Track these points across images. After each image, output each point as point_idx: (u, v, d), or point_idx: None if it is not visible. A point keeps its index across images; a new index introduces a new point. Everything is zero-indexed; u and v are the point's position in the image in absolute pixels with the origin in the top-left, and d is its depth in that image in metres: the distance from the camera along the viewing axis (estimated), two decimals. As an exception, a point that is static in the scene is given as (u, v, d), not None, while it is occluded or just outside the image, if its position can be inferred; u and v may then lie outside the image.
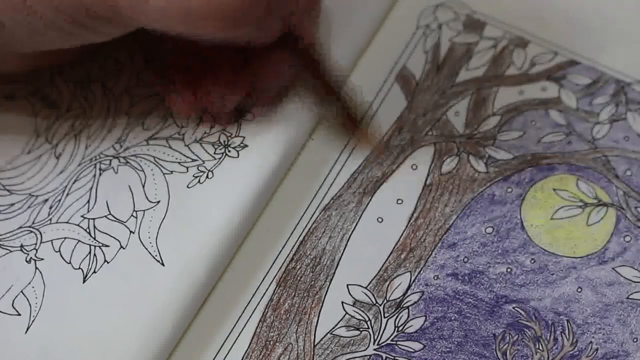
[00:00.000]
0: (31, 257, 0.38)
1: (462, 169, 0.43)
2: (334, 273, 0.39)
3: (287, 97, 0.42)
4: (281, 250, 0.40)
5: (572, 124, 0.44)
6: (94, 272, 0.38)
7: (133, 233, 0.39)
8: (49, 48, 0.37)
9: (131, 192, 0.40)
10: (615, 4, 0.48)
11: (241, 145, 0.41)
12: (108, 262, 0.38)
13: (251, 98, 0.41)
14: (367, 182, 0.42)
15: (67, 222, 0.39)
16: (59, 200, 0.40)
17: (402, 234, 0.41)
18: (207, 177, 0.40)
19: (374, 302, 0.39)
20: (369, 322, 0.38)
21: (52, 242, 0.39)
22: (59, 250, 0.38)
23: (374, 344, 0.38)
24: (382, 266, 0.40)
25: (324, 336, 0.38)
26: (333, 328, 0.38)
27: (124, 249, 0.38)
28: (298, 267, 0.40)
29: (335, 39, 0.44)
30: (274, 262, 0.40)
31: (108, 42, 0.38)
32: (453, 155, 0.43)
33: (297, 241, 0.40)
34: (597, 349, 0.38)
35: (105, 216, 0.39)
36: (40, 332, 0.36)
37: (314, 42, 0.40)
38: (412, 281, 0.39)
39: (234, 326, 0.38)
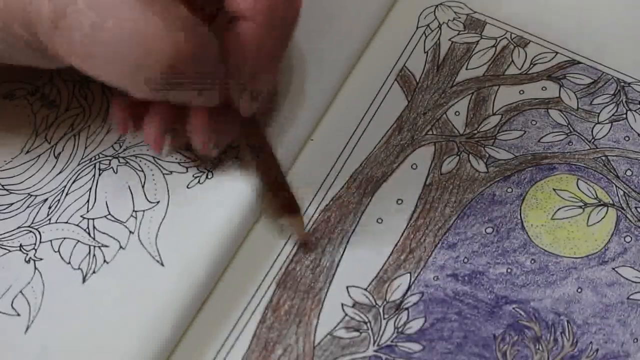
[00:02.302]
0: (30, 257, 0.38)
1: (462, 168, 0.43)
2: (334, 274, 0.39)
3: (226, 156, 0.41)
4: (281, 251, 0.40)
5: (572, 123, 0.44)
6: (94, 272, 0.38)
7: (133, 233, 0.39)
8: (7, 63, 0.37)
9: (131, 192, 0.40)
10: (615, 3, 0.48)
11: (241, 145, 0.41)
12: (108, 263, 0.38)
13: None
14: (367, 182, 0.42)
15: (67, 222, 0.39)
16: (58, 200, 0.40)
17: (402, 235, 0.41)
18: (206, 177, 0.40)
19: (374, 304, 0.39)
20: (368, 324, 0.38)
21: (51, 242, 0.38)
22: (59, 251, 0.38)
23: (373, 345, 0.38)
24: (382, 267, 0.40)
25: (324, 337, 0.38)
26: (333, 329, 0.38)
27: (123, 249, 0.38)
28: (298, 268, 0.39)
29: (335, 39, 0.44)
30: (274, 263, 0.40)
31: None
32: (453, 155, 0.43)
33: (297, 242, 0.40)
34: (597, 350, 0.38)
35: (105, 216, 0.39)
36: (40, 332, 0.36)
37: (255, 115, 0.39)
38: (411, 282, 0.39)
39: (234, 327, 0.38)
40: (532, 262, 0.40)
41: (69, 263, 0.38)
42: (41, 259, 0.38)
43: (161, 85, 0.33)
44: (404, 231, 0.41)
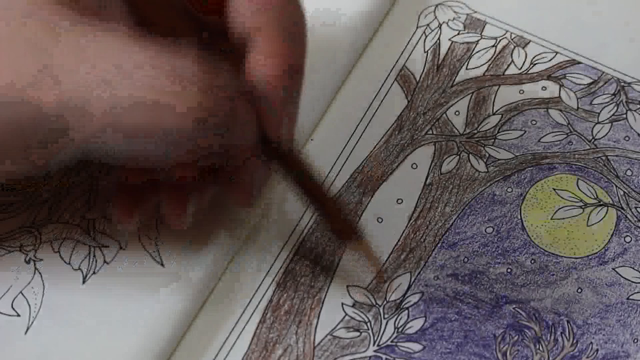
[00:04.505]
0: (30, 258, 0.38)
1: (462, 168, 0.43)
2: (334, 274, 0.39)
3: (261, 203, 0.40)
4: (281, 251, 0.40)
5: (572, 123, 0.44)
6: (94, 272, 0.38)
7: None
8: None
9: (131, 192, 0.40)
10: (615, 3, 0.48)
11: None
12: (108, 263, 0.38)
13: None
14: (367, 181, 0.42)
15: (67, 223, 0.39)
16: (59, 200, 0.40)
17: (402, 234, 0.41)
18: (206, 177, 0.40)
19: (374, 303, 0.39)
20: (368, 324, 0.38)
21: (51, 243, 0.38)
22: (59, 251, 0.38)
23: (373, 345, 0.38)
24: (382, 267, 0.40)
25: (324, 337, 0.38)
26: (333, 329, 0.38)
27: (123, 249, 0.38)
28: (298, 268, 0.39)
29: (335, 39, 0.44)
30: (274, 262, 0.40)
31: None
32: (453, 154, 0.43)
33: (297, 242, 0.40)
34: (597, 350, 0.38)
35: (105, 217, 0.39)
36: (40, 333, 0.36)
37: (293, 148, 0.36)
38: (412, 282, 0.39)
39: (234, 327, 0.38)
40: (532, 262, 0.40)
41: (69, 263, 0.38)
42: (41, 260, 0.38)
43: (193, 149, 0.31)
44: (404, 230, 0.41)
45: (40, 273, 0.38)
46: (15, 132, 0.30)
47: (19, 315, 0.37)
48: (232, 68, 0.32)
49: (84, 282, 0.37)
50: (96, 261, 0.38)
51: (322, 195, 0.37)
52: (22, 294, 0.37)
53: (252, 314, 0.38)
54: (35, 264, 0.38)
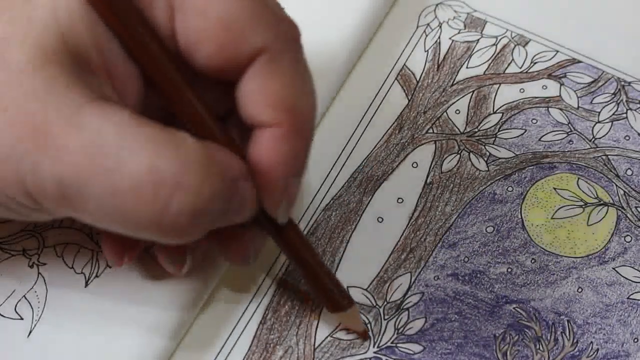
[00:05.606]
0: (34, 262, 0.38)
1: (463, 167, 0.43)
2: (334, 274, 0.39)
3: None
4: (281, 252, 0.40)
5: (572, 122, 0.44)
6: (96, 276, 0.38)
7: (134, 236, 0.39)
8: None
9: (132, 195, 0.40)
10: (616, 2, 0.47)
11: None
12: (110, 267, 0.38)
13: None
14: (367, 181, 0.42)
15: (69, 227, 0.39)
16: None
17: (402, 234, 0.41)
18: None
19: (374, 304, 0.39)
20: (369, 325, 0.38)
21: (54, 247, 0.39)
22: (62, 255, 0.38)
23: (374, 346, 0.38)
24: (383, 267, 0.40)
25: (324, 339, 0.38)
26: (333, 331, 0.38)
27: (125, 252, 0.38)
28: (298, 270, 0.40)
29: (335, 39, 0.44)
30: (274, 263, 0.40)
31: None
32: (454, 153, 0.43)
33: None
34: (597, 350, 0.38)
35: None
36: (42, 336, 0.36)
37: (290, 224, 0.35)
38: (412, 282, 0.39)
39: (234, 328, 0.38)
40: (533, 261, 0.40)
41: (72, 267, 0.38)
42: (44, 264, 0.38)
43: (189, 231, 0.30)
44: (404, 230, 0.41)
45: (43, 277, 0.38)
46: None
47: (22, 318, 0.37)
48: (236, 139, 0.32)
49: (86, 285, 0.38)
50: (98, 265, 0.38)
51: (315, 269, 0.36)
52: (25, 297, 0.37)
53: (253, 314, 0.38)
54: (38, 268, 0.38)
